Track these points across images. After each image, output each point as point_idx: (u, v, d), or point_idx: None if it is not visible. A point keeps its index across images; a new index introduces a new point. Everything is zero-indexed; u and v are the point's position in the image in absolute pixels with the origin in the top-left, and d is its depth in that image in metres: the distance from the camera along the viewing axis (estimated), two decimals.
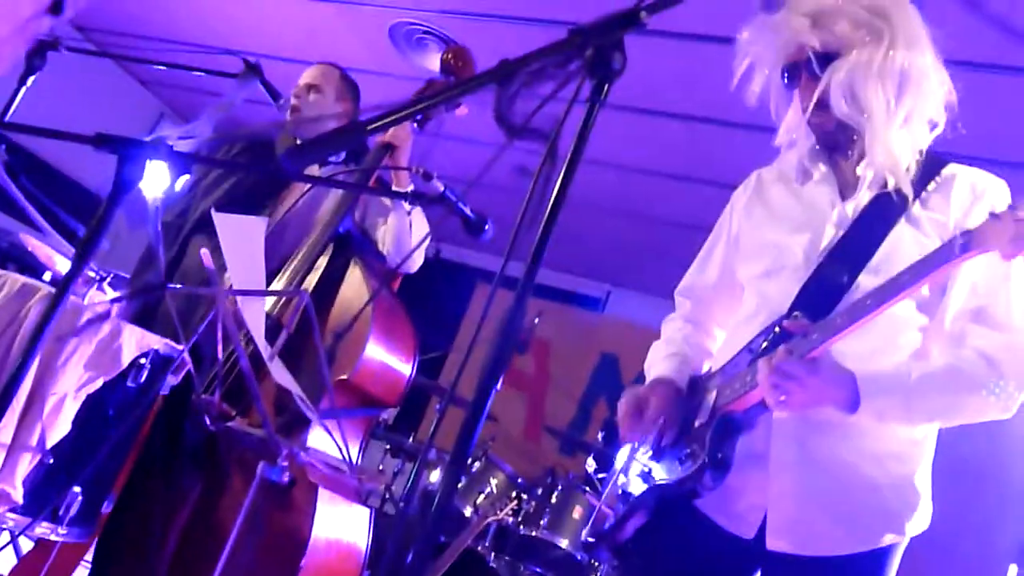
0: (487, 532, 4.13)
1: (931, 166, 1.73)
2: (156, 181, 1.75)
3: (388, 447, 5.18)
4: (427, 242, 2.10)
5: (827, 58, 1.68)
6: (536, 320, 4.57)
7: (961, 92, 1.72)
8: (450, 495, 1.04)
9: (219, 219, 1.62)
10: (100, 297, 2.38)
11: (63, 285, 1.45)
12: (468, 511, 4.17)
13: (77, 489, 2.19)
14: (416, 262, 2.65)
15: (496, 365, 1.05)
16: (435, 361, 6.08)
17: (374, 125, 0.96)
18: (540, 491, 4.21)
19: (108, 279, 2.45)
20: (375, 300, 2.30)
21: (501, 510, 4.07)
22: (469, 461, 4.19)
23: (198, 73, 2.58)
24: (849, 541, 1.67)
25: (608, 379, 6.51)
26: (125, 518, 2.56)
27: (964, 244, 1.41)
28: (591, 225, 5.66)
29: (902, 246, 1.66)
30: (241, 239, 1.65)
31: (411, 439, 5.18)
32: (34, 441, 2.04)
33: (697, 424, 1.76)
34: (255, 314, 1.69)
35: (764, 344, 1.69)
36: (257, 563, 2.20)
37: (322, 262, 2.59)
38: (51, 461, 2.10)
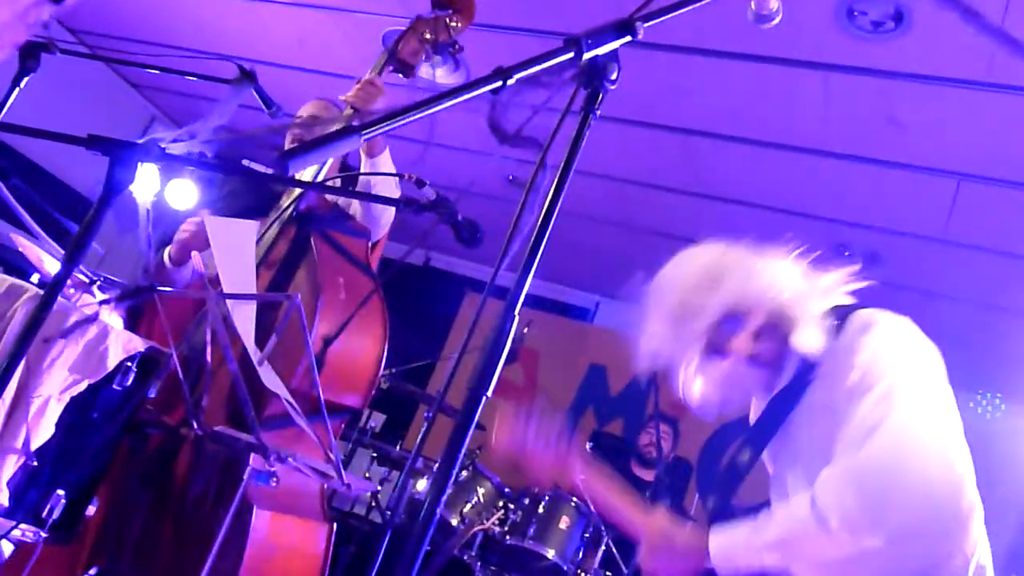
0: (474, 541, 4.12)
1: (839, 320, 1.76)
2: (147, 184, 1.74)
3: (375, 455, 5.16)
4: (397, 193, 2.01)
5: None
6: (525, 330, 4.56)
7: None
8: (438, 504, 1.04)
9: (210, 221, 1.62)
10: (89, 300, 2.36)
11: (51, 287, 1.44)
12: (455, 520, 4.16)
13: (61, 492, 2.17)
14: (384, 228, 2.60)
15: (486, 373, 1.05)
16: (423, 369, 6.06)
17: (368, 130, 0.97)
18: (527, 501, 4.19)
19: (98, 283, 2.43)
20: (323, 287, 2.17)
21: (488, 519, 4.06)
22: (456, 470, 4.17)
23: (191, 78, 2.57)
24: None
25: (596, 389, 6.50)
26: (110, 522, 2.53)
27: None
28: (581, 235, 5.67)
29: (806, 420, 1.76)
30: (232, 242, 1.65)
31: (398, 447, 5.16)
32: (19, 443, 2.02)
33: None
34: (245, 318, 1.68)
35: None
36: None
37: (282, 244, 2.48)
38: (35, 464, 2.08)
